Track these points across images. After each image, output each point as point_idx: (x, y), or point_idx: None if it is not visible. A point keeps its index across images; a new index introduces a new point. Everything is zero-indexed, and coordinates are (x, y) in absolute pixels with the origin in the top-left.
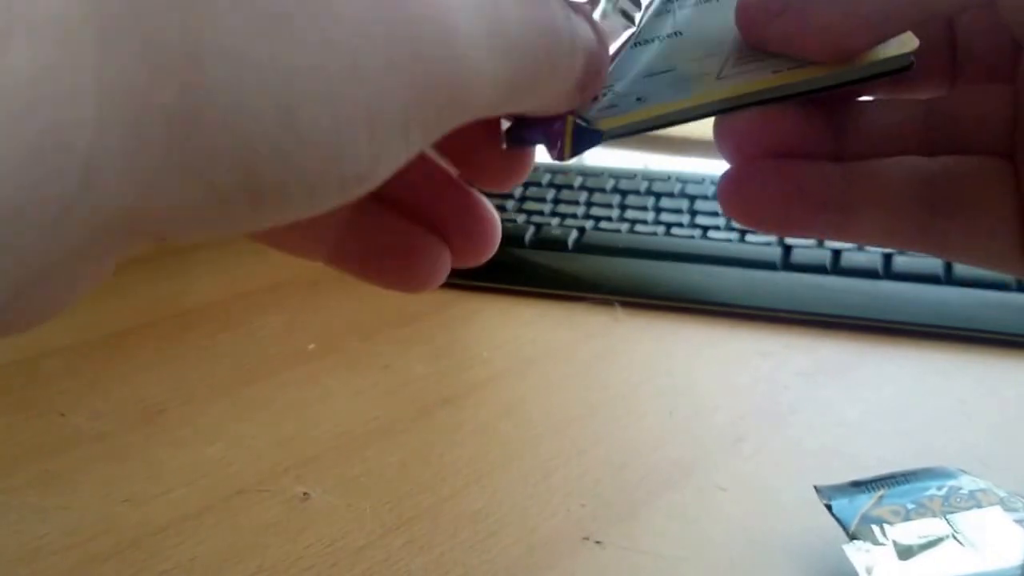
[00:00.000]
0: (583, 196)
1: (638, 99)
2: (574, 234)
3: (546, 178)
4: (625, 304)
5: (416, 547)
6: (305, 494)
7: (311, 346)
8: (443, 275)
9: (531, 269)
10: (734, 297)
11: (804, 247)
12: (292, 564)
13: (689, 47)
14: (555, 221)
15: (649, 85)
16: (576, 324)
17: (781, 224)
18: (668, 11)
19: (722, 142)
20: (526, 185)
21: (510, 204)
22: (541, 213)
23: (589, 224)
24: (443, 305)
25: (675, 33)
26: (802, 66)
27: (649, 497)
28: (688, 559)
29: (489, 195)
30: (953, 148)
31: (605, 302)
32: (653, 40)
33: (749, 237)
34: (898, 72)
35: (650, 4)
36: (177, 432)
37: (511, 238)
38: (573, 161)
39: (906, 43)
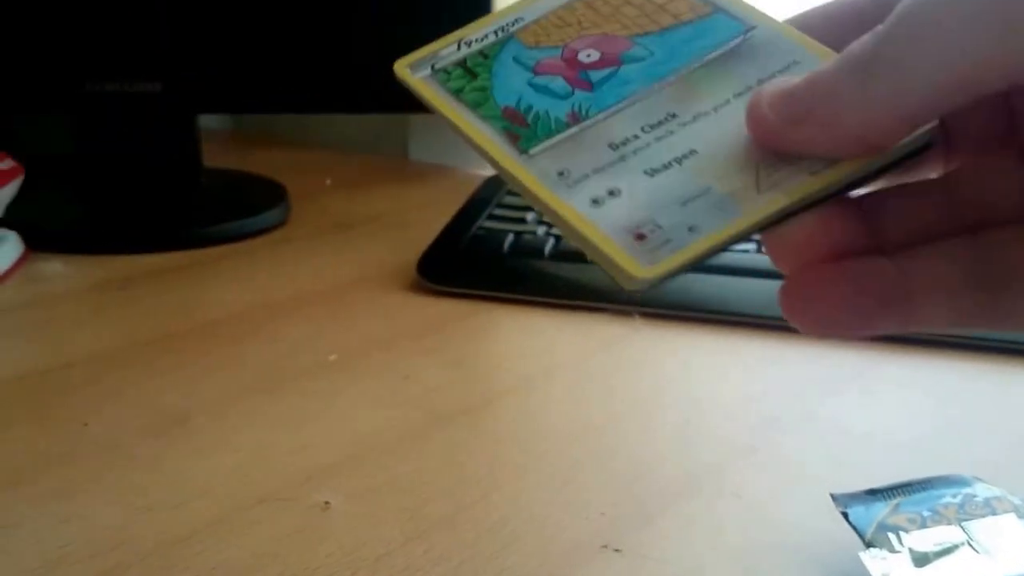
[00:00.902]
0: None
1: (689, 229)
2: None
3: None
4: (644, 314)
5: (435, 556)
6: (326, 503)
7: (332, 356)
8: None
9: (550, 280)
10: (750, 307)
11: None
12: (312, 573)
13: (713, 164)
14: None
15: (692, 213)
16: (595, 334)
17: (849, 326)
18: (664, 134)
19: (777, 255)
20: None
21: (529, 216)
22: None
23: None
24: (462, 316)
25: (690, 153)
26: (836, 162)
27: (666, 505)
28: (705, 567)
29: (510, 207)
30: (983, 220)
31: (624, 312)
32: (670, 165)
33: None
34: (923, 150)
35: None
36: (199, 441)
37: (530, 249)
38: None
39: None
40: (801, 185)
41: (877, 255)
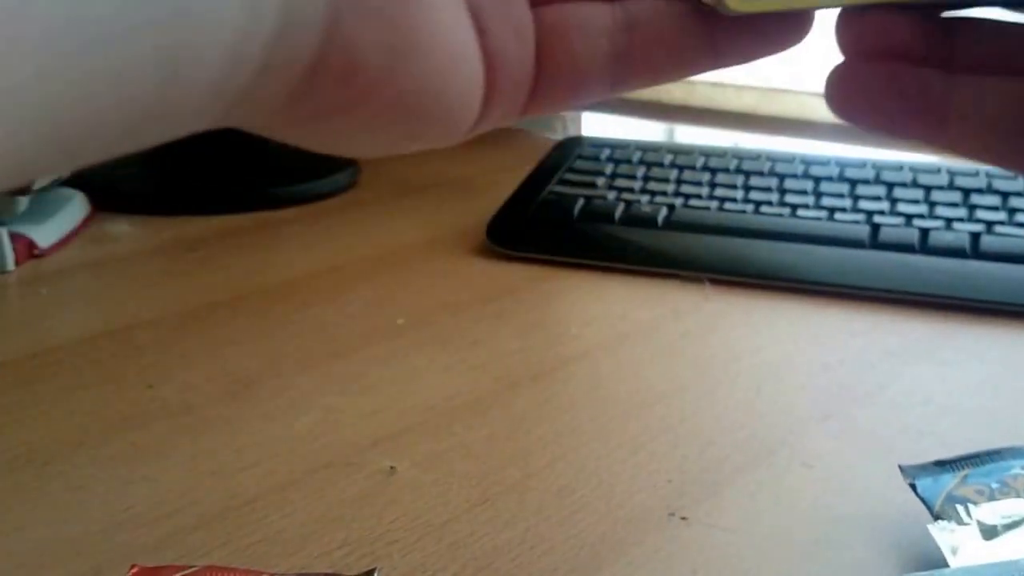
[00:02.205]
0: (673, 174)
1: None
2: (664, 211)
3: (636, 156)
4: (714, 281)
5: (501, 522)
6: (392, 468)
7: (400, 321)
8: None
9: (621, 246)
10: (823, 275)
11: (892, 226)
12: (377, 538)
13: None
14: (645, 199)
15: None
16: (665, 301)
17: (878, 121)
18: None
19: (842, 38)
20: (616, 162)
21: (600, 181)
22: (631, 190)
23: (679, 202)
24: (533, 281)
25: None
26: None
27: (735, 474)
28: (772, 536)
29: (580, 172)
30: None
31: (695, 279)
32: None
33: (838, 216)
34: None
35: None
36: (265, 405)
37: (601, 215)
38: (663, 138)
39: None
40: None
41: (940, 70)
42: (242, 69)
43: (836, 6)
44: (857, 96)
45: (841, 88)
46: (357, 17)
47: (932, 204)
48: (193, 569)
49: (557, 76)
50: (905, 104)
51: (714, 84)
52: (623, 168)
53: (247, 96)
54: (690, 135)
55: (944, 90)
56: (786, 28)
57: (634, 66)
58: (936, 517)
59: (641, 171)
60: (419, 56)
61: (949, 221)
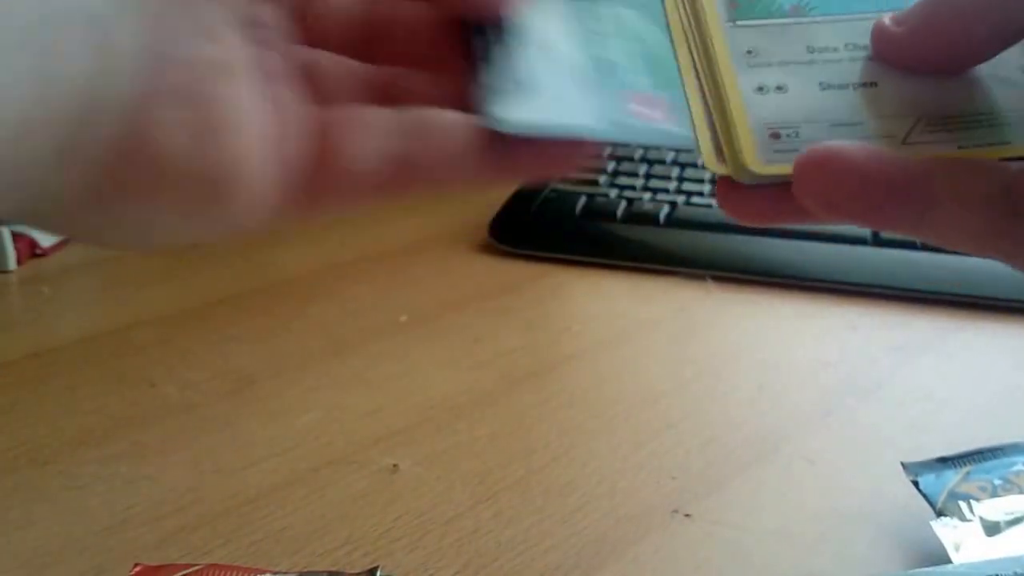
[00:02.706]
0: (675, 171)
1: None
2: (666, 209)
3: (638, 153)
4: (716, 278)
5: (505, 519)
6: (395, 466)
7: (403, 318)
8: None
9: (623, 243)
10: (824, 272)
11: None
12: (381, 535)
13: (882, 102)
14: (647, 196)
15: (829, 136)
16: (667, 298)
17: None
18: (861, 57)
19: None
20: (618, 160)
21: (603, 179)
22: (633, 188)
23: (681, 199)
24: (535, 278)
25: (871, 84)
26: (992, 145)
27: (738, 471)
28: (775, 533)
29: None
30: None
31: (696, 276)
32: (846, 87)
33: None
34: None
35: None
36: (267, 403)
37: (603, 212)
38: None
39: None
40: (941, 151)
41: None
42: (30, 153)
43: None
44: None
45: (815, 182)
46: (162, 99)
47: None
48: (196, 568)
49: (334, 174)
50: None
51: None
52: (625, 166)
53: (42, 186)
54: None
55: (924, 174)
56: (568, 153)
57: (415, 173)
58: (939, 513)
59: (643, 169)
60: (225, 135)
61: None
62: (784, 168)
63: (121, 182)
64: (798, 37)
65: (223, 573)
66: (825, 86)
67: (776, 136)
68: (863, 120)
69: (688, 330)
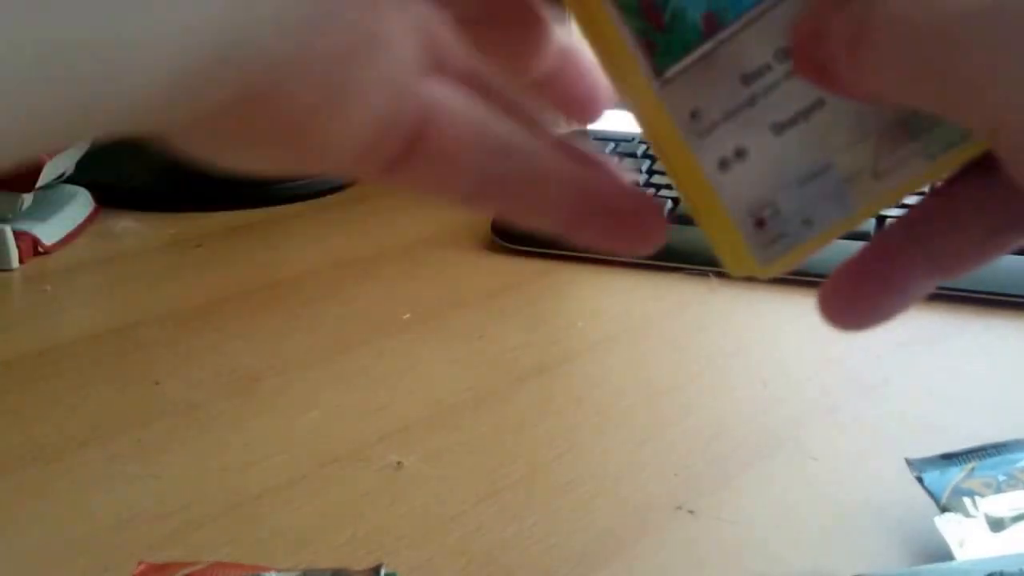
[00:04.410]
0: None
1: (804, 222)
2: (669, 204)
3: (641, 148)
4: (720, 275)
5: (509, 516)
6: (399, 463)
7: (406, 315)
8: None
9: None
10: (828, 269)
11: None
12: (385, 533)
13: (838, 129)
14: (650, 192)
15: (809, 200)
16: (671, 295)
17: (885, 311)
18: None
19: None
20: (621, 156)
21: None
22: (636, 184)
23: None
24: (538, 275)
25: (817, 104)
26: (955, 146)
27: (742, 467)
28: (779, 529)
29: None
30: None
31: (700, 273)
32: (796, 120)
33: None
34: None
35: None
36: (272, 401)
37: None
38: None
39: None
40: (916, 176)
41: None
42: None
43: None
44: (857, 310)
45: (838, 308)
46: (306, 63)
47: None
48: (200, 566)
49: (421, 161)
50: (900, 295)
51: None
52: (628, 161)
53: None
54: None
55: (925, 259)
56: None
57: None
58: (943, 510)
59: (646, 164)
60: (345, 109)
61: None
62: (786, 262)
63: (235, 121)
64: (727, 65)
65: (227, 571)
66: (777, 128)
67: (761, 224)
68: (829, 162)
69: (692, 327)
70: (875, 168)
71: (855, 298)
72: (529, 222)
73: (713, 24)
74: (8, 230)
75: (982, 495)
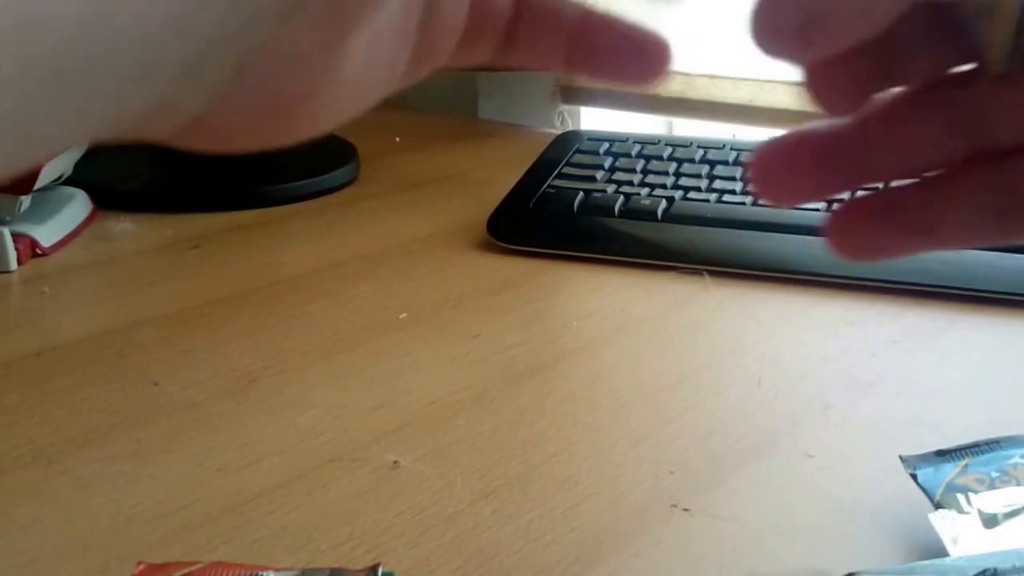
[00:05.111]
0: (672, 167)
1: None
2: (663, 204)
3: (635, 149)
4: (713, 273)
5: (505, 515)
6: (396, 462)
7: (402, 315)
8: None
9: (620, 238)
10: (822, 266)
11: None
12: (382, 532)
13: None
14: (644, 191)
15: None
16: (665, 293)
17: (882, 253)
18: None
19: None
20: (615, 155)
21: (599, 174)
22: (631, 183)
23: (678, 194)
24: (533, 274)
25: None
26: None
27: (737, 465)
28: (775, 527)
29: (579, 166)
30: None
31: (694, 271)
32: None
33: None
34: None
35: None
36: (269, 401)
37: (601, 208)
38: (662, 131)
39: None
40: None
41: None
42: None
43: None
44: (857, 241)
45: (841, 239)
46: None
47: None
48: (199, 565)
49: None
50: (896, 235)
51: (712, 77)
52: (622, 161)
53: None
54: (688, 128)
55: (923, 202)
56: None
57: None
58: (937, 506)
59: (640, 164)
60: (327, 97)
61: None
62: None
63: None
64: None
65: (226, 571)
66: None
67: None
68: None
69: (686, 325)
70: None
71: (858, 234)
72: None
73: None
74: (7, 232)
75: (976, 491)
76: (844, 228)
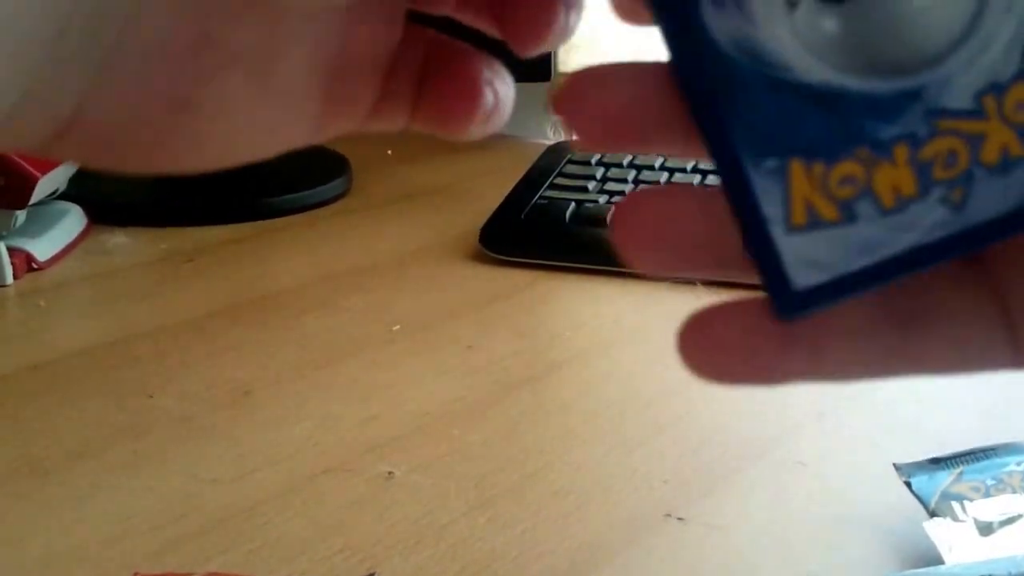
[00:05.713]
0: (663, 177)
1: None
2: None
3: (626, 159)
4: (705, 283)
5: (499, 524)
6: (390, 473)
7: (396, 327)
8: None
9: (613, 249)
10: None
11: None
12: (377, 542)
13: None
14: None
15: None
16: (658, 303)
17: (748, 371)
18: None
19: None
20: (606, 166)
21: (591, 185)
22: (622, 194)
23: None
24: (525, 285)
25: None
26: None
27: (730, 473)
28: (768, 535)
29: (571, 176)
30: None
31: (686, 281)
32: None
33: None
34: None
35: None
36: (263, 413)
37: (593, 218)
38: None
39: None
40: None
41: None
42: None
43: None
44: (714, 347)
45: (694, 344)
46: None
47: None
48: None
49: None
50: (768, 340)
51: None
52: (613, 172)
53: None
54: None
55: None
56: None
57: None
58: (932, 514)
59: (632, 175)
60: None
61: None
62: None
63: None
64: None
65: None
66: None
67: None
68: None
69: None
70: None
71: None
72: None
73: None
74: (2, 246)
75: (971, 499)
76: (711, 335)
